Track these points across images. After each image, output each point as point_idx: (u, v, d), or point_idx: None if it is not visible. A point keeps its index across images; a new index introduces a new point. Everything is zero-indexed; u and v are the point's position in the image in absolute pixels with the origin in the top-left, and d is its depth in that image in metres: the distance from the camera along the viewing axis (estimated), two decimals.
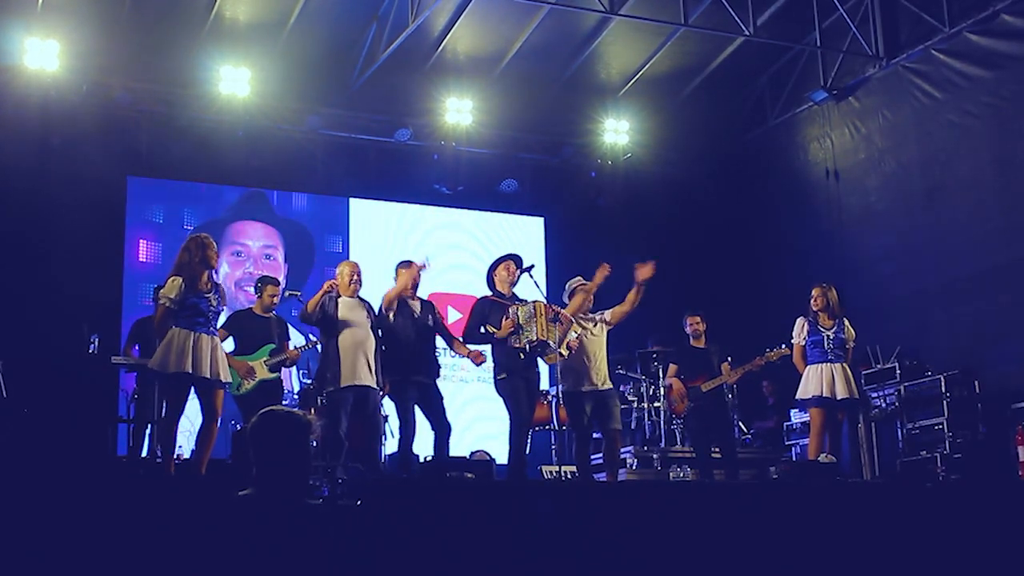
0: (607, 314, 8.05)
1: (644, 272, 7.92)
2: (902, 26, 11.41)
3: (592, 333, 7.97)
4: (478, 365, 7.99)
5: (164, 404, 6.89)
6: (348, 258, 10.45)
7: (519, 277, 7.93)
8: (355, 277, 7.77)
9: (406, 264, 7.91)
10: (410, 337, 7.71)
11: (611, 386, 8.03)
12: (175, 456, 6.88)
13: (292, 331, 8.83)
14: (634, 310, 8.05)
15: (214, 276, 6.95)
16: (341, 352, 7.49)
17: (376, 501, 5.14)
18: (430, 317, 7.92)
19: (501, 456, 7.99)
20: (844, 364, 8.25)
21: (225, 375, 6.90)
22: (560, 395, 8.24)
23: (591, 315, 8.04)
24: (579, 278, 8.15)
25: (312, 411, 8.31)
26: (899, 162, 11.42)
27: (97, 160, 10.62)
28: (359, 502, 3.24)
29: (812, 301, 8.37)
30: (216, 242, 6.98)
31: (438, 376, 7.82)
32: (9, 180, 10.13)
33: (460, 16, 11.26)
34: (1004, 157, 10.29)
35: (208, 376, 6.71)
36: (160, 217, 11.47)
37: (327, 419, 7.56)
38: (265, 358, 8.19)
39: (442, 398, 7.77)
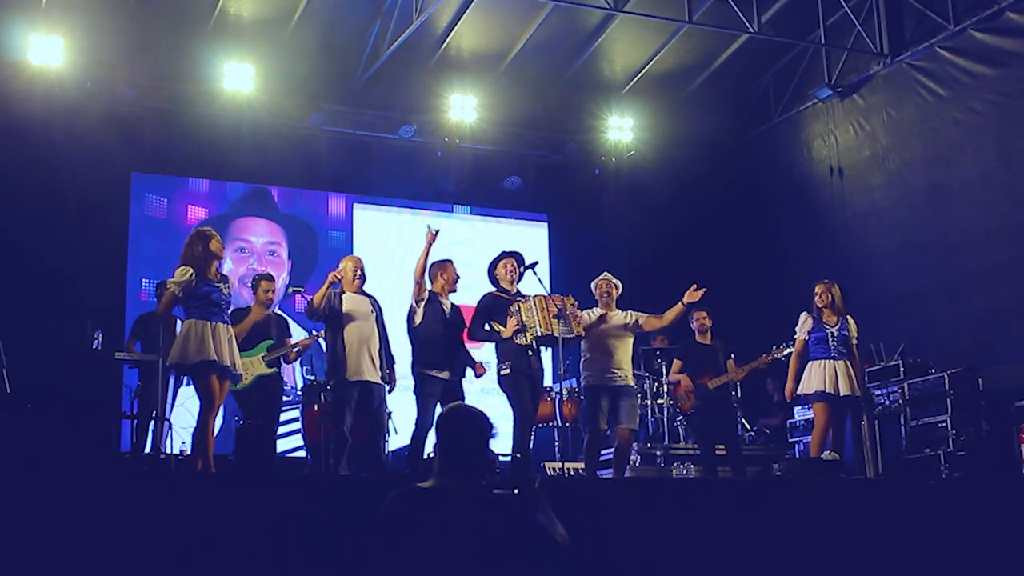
0: (640, 319, 8.03)
1: (693, 296, 7.89)
2: (907, 23, 11.40)
3: (620, 329, 7.97)
4: (478, 376, 7.96)
5: (198, 398, 6.77)
6: (352, 254, 10.43)
7: (522, 274, 7.93)
8: (358, 272, 7.76)
9: (441, 264, 7.89)
10: (439, 333, 7.68)
11: (632, 384, 8.02)
12: (179, 452, 6.88)
13: (294, 327, 8.82)
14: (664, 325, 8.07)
15: (220, 267, 6.97)
16: (346, 347, 7.48)
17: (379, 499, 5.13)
18: (459, 316, 7.92)
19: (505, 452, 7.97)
20: (847, 361, 8.23)
21: (239, 367, 6.92)
22: (580, 388, 8.22)
23: (621, 311, 8.03)
24: (606, 273, 8.15)
25: (316, 408, 8.30)
26: (903, 160, 11.40)
27: (101, 156, 10.62)
28: (516, 491, 3.36)
29: (816, 298, 8.33)
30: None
31: (463, 375, 7.82)
32: (13, 176, 10.13)
33: (464, 12, 11.25)
34: (1009, 155, 10.28)
35: (228, 364, 6.72)
36: (164, 213, 11.48)
37: (332, 415, 7.56)
38: (263, 353, 8.19)
39: (464, 398, 7.75)
